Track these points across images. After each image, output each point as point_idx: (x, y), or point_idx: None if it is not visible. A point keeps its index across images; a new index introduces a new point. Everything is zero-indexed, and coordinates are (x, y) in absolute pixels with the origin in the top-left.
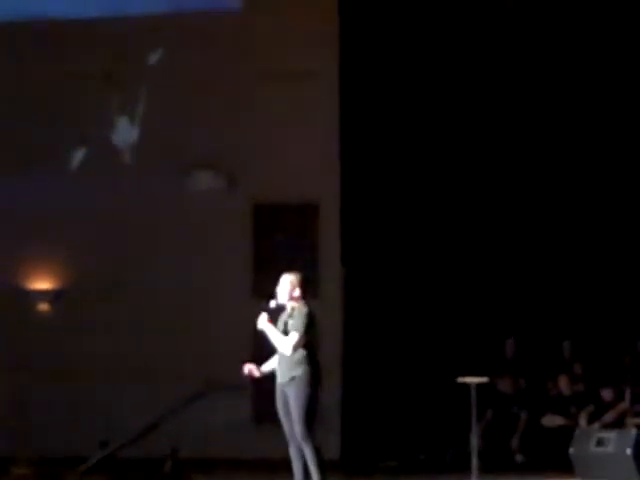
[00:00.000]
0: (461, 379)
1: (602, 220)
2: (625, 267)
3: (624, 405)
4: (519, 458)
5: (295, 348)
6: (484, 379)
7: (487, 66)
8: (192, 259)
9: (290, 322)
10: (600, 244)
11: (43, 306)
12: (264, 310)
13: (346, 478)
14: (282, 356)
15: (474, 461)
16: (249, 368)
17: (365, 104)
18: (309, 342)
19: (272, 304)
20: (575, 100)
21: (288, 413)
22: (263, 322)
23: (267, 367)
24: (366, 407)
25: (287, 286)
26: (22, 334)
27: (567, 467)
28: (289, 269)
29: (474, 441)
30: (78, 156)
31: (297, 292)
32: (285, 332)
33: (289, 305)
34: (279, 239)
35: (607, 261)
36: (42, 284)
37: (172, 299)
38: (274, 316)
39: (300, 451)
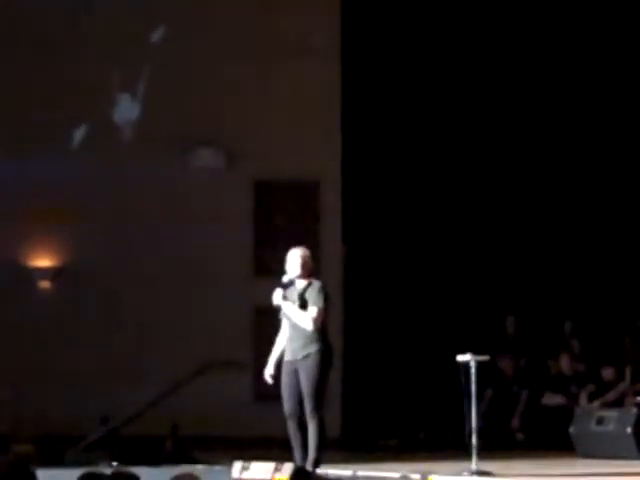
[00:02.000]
0: (461, 357)
1: (601, 199)
2: (625, 246)
3: (625, 384)
4: (519, 437)
5: (316, 322)
6: (485, 357)
7: (489, 52)
8: (192, 237)
9: (308, 296)
10: (601, 223)
11: (44, 283)
12: (279, 286)
13: (346, 456)
14: (295, 333)
15: (474, 440)
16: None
17: (367, 80)
18: (323, 318)
19: (285, 279)
20: (574, 99)
21: (294, 390)
22: (278, 298)
23: (274, 357)
24: (366, 385)
25: (298, 260)
26: (23, 311)
27: (567, 446)
28: (289, 247)
29: (474, 420)
30: (79, 133)
31: (308, 267)
32: (302, 307)
33: (301, 280)
34: (280, 217)
35: (608, 240)
36: (43, 262)
37: (173, 276)
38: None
39: (299, 428)
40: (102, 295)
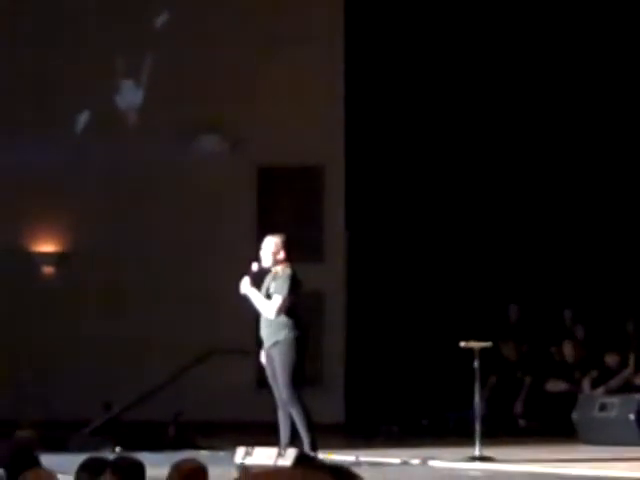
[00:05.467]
0: (465, 344)
1: (601, 188)
2: (627, 233)
3: (628, 371)
4: (522, 423)
5: (279, 311)
6: (488, 344)
7: (491, 41)
8: (196, 223)
9: (273, 285)
10: (603, 210)
11: (48, 269)
12: (246, 274)
13: (349, 442)
14: (266, 320)
15: (477, 426)
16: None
17: (370, 66)
18: (293, 305)
19: (254, 267)
20: (575, 97)
21: (275, 377)
22: (246, 286)
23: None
24: (370, 371)
25: (271, 248)
26: (27, 296)
27: (570, 432)
28: (294, 232)
29: (477, 406)
30: (82, 119)
31: (281, 254)
32: (269, 296)
33: (273, 268)
34: (283, 202)
35: (610, 227)
36: (47, 247)
37: (175, 263)
38: (261, 279)
39: (288, 415)
40: (105, 280)
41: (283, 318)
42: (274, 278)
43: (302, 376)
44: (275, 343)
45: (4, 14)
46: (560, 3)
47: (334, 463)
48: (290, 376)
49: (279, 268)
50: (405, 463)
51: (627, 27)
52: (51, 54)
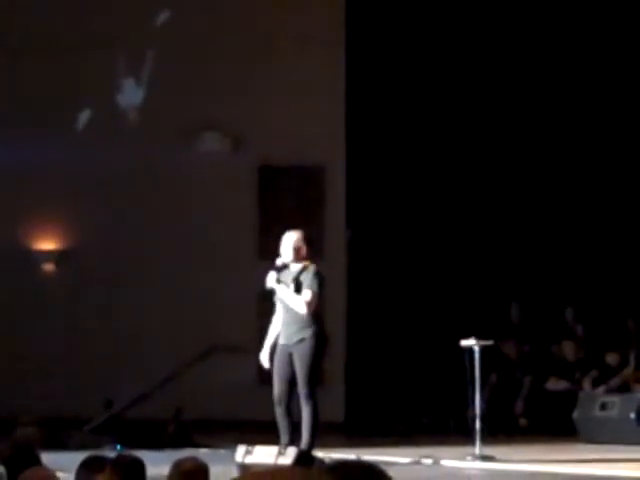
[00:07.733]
0: (465, 342)
1: (601, 186)
2: (628, 231)
3: (629, 370)
4: (523, 422)
5: (310, 306)
6: (488, 342)
7: (492, 40)
8: (197, 221)
9: (303, 280)
10: (603, 208)
11: (48, 266)
12: (272, 269)
13: (349, 441)
14: (289, 317)
15: (478, 425)
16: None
17: (372, 65)
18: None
19: (279, 262)
20: (574, 98)
21: (285, 374)
22: (272, 281)
23: (270, 341)
24: (370, 370)
25: (292, 244)
26: (27, 294)
27: (571, 431)
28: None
29: (478, 405)
30: (84, 117)
31: (304, 250)
32: (297, 291)
33: (296, 264)
34: (284, 201)
35: (611, 225)
36: (47, 245)
37: (176, 260)
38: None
39: (287, 413)
40: (105, 278)
41: (309, 316)
42: (300, 273)
43: (319, 374)
44: (302, 340)
45: (4, 13)
46: (560, 3)
47: (361, 461)
48: (311, 373)
49: (306, 264)
50: (416, 462)
51: (627, 27)
52: (51, 53)
